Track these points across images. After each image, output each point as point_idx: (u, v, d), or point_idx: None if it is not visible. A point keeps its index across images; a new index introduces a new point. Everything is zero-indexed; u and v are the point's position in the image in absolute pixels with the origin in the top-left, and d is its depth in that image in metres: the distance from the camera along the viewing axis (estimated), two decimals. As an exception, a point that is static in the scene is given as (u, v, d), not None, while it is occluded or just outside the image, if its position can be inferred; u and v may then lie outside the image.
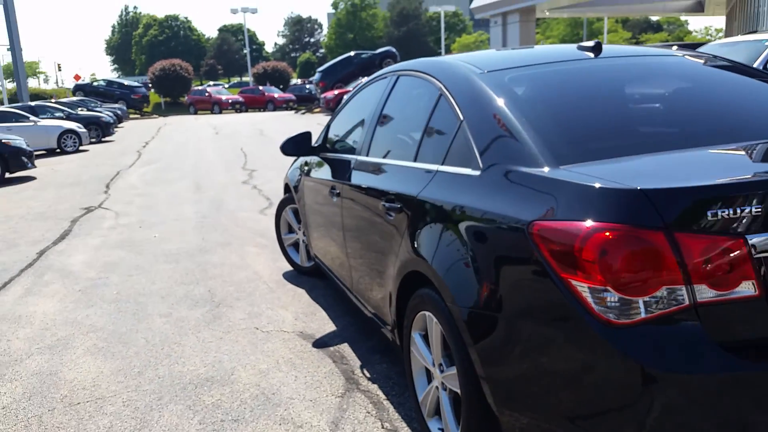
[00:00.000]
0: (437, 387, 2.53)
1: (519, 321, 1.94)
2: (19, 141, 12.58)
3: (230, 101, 40.81)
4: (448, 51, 63.48)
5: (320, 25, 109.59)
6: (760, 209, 1.68)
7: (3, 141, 12.07)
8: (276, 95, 40.59)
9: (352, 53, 38.41)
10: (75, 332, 4.16)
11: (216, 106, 40.57)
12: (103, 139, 22.38)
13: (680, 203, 1.70)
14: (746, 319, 1.72)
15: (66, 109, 22.44)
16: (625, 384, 1.69)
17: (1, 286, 5.32)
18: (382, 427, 2.80)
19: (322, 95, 29.28)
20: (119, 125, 29.06)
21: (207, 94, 42.54)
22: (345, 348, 3.68)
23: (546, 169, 2.01)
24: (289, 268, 5.31)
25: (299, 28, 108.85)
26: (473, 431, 2.23)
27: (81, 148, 18.86)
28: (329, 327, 4.02)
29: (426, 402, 2.63)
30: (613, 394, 1.72)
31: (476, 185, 2.24)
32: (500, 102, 2.39)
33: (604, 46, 2.90)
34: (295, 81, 52.02)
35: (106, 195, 10.20)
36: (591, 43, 2.87)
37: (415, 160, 2.82)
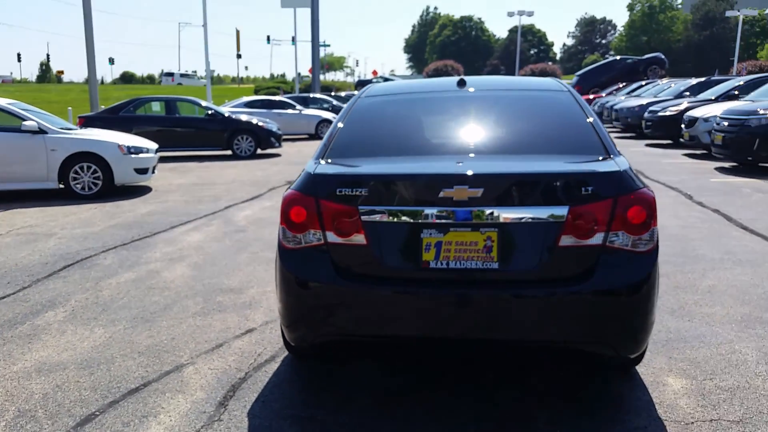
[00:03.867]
0: None
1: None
2: (271, 125, 15.87)
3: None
4: (752, 58, 56.98)
5: (614, 27, 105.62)
6: (366, 191, 2.77)
7: (259, 124, 15.40)
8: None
9: (617, 57, 37.26)
10: (193, 253, 6.21)
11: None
12: (360, 129, 25.80)
13: (325, 183, 2.89)
14: (359, 257, 2.83)
15: (333, 101, 26.32)
16: (288, 284, 2.94)
17: (182, 223, 7.73)
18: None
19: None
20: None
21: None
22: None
23: (317, 161, 3.23)
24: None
25: (591, 29, 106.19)
26: None
27: (335, 134, 22.21)
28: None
29: None
30: (286, 291, 2.96)
31: None
32: (348, 117, 3.59)
33: (471, 80, 3.83)
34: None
35: (315, 173, 12.63)
36: (457, 78, 3.84)
37: None
